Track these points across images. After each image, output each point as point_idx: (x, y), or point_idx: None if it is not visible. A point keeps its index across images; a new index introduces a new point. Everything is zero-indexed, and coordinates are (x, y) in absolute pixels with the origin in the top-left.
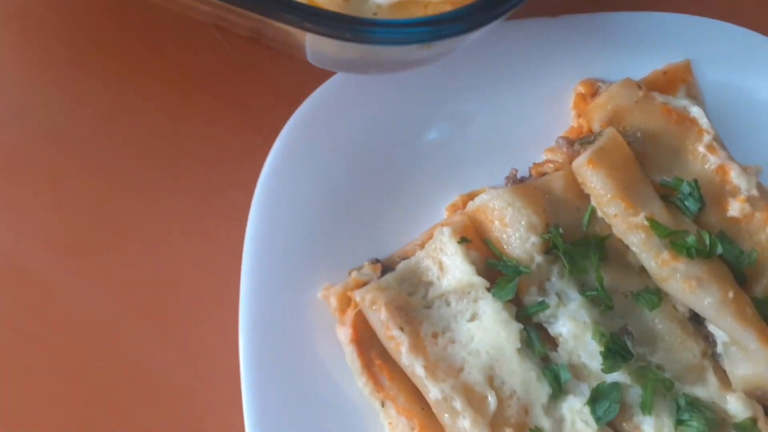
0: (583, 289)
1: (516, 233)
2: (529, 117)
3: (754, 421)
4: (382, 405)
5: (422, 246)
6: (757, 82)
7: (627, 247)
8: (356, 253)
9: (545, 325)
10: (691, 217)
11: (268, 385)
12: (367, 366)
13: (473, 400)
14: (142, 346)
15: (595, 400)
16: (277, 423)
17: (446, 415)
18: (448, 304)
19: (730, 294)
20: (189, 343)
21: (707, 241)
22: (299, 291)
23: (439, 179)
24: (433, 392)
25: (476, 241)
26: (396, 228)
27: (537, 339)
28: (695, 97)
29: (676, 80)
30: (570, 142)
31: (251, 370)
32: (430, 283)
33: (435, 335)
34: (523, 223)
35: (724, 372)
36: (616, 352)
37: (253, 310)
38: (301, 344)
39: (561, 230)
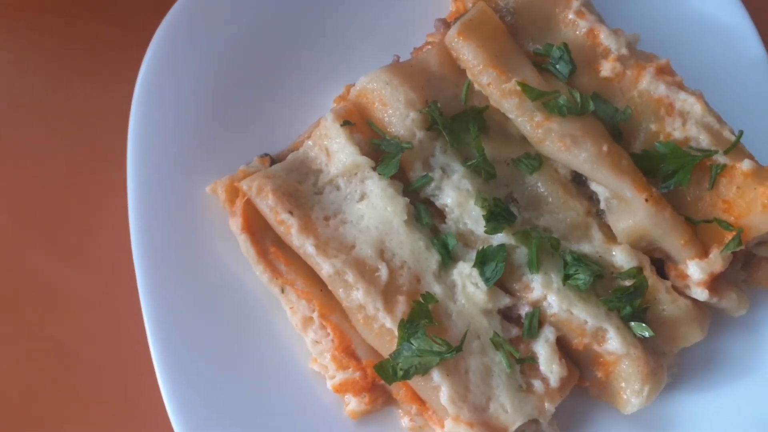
0: (466, 161)
1: (396, 111)
2: (410, 4)
3: (639, 269)
4: (282, 291)
5: (310, 137)
6: None
7: (507, 118)
8: (246, 152)
9: (432, 198)
10: (564, 80)
11: (164, 283)
12: (263, 254)
13: (365, 272)
14: (38, 258)
15: (482, 262)
16: (178, 322)
17: (340, 290)
18: (338, 189)
19: (605, 147)
20: (82, 249)
21: (578, 99)
22: (188, 190)
23: (325, 71)
24: (325, 268)
25: (360, 124)
26: (285, 123)
27: (425, 212)
28: None
29: None
30: (446, 24)
31: (146, 269)
32: (319, 171)
33: (327, 218)
34: (401, 99)
35: (609, 228)
36: (498, 214)
37: (142, 212)
38: (195, 242)
39: (440, 105)
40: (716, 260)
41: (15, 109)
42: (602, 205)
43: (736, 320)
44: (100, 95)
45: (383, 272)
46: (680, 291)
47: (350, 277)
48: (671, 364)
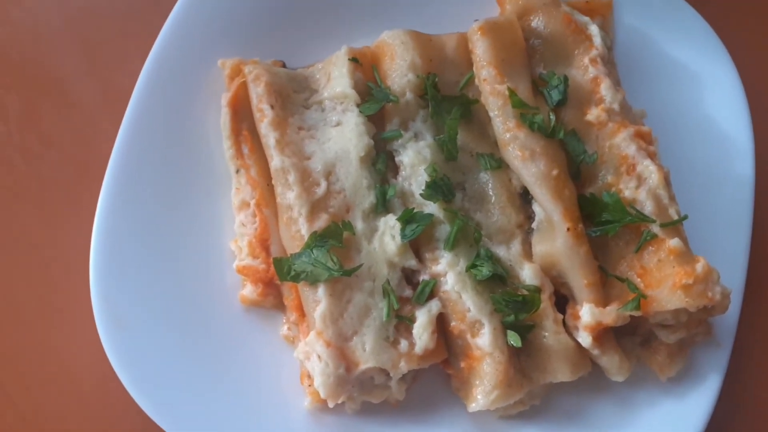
0: (440, 138)
1: (398, 68)
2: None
3: (538, 289)
4: (237, 171)
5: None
6: (666, 38)
7: (489, 120)
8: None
9: (394, 153)
10: (551, 107)
11: (149, 114)
12: (236, 132)
13: (305, 180)
14: None
15: (407, 220)
16: (142, 150)
17: (280, 187)
18: (322, 110)
19: (554, 172)
20: None
21: (552, 123)
22: (206, 61)
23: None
24: (275, 161)
25: (367, 67)
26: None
27: (383, 161)
28: (607, 33)
29: (595, 12)
30: None
31: (141, 97)
32: (315, 90)
33: (300, 128)
34: (407, 60)
35: (530, 246)
36: (439, 186)
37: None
38: (191, 103)
39: (437, 81)
40: (610, 313)
41: None
42: (534, 225)
43: (614, 389)
44: None
45: (321, 188)
46: (569, 329)
47: (291, 177)
48: (535, 394)
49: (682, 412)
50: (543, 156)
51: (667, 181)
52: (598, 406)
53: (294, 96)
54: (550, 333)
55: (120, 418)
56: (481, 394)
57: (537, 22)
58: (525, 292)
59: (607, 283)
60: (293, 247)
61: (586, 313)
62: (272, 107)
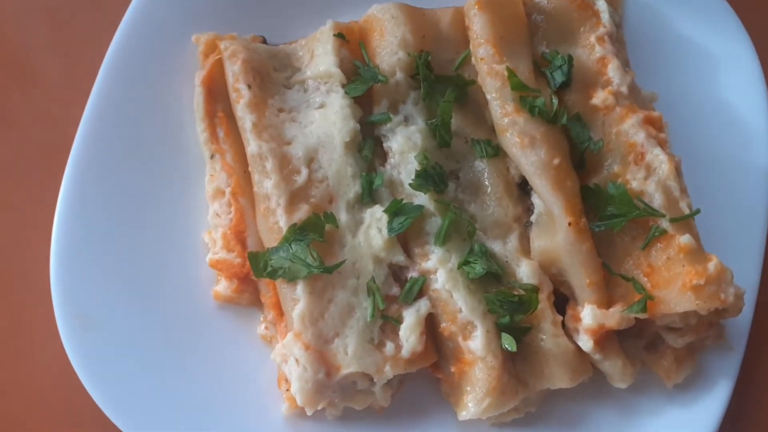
0: (432, 123)
1: (388, 45)
2: None
3: (536, 289)
4: (212, 157)
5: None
6: (679, 15)
7: (485, 103)
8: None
9: (382, 139)
10: (553, 89)
11: (115, 93)
12: (210, 114)
13: (284, 167)
14: None
15: (395, 213)
16: (109, 129)
17: (257, 174)
18: (305, 90)
19: (556, 160)
20: None
21: (554, 107)
22: (181, 41)
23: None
24: (252, 146)
25: (354, 44)
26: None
27: (369, 147)
28: (616, 9)
29: None
30: None
31: (107, 76)
32: (297, 69)
33: (281, 110)
34: (397, 36)
35: (528, 241)
36: (430, 176)
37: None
38: (164, 81)
39: (430, 59)
40: (613, 315)
41: None
42: (533, 218)
43: (616, 396)
44: None
45: (302, 177)
46: (568, 332)
47: (269, 164)
48: (531, 401)
49: (689, 421)
50: (544, 143)
51: (678, 172)
52: (599, 414)
53: (274, 75)
54: (548, 336)
55: (84, 424)
56: (473, 402)
57: None
58: (521, 292)
59: (611, 282)
60: (271, 240)
61: (588, 314)
62: (249, 87)
